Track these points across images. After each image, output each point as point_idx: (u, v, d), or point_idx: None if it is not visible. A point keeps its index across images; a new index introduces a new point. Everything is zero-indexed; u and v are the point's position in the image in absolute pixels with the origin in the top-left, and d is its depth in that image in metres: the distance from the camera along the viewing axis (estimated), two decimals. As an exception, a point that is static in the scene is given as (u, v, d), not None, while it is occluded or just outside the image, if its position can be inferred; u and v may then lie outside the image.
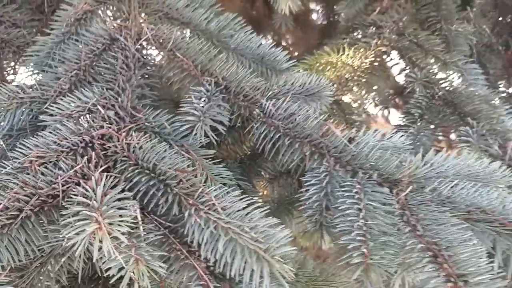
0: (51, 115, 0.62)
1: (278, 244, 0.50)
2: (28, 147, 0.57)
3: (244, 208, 0.52)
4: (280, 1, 1.00)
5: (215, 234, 0.50)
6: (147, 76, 0.71)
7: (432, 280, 0.50)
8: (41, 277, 0.58)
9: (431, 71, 0.98)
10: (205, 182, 0.62)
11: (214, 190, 0.54)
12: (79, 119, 0.60)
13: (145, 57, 0.70)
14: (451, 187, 0.59)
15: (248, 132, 0.69)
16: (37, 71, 0.71)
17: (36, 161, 0.55)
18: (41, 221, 0.51)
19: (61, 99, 0.63)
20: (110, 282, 0.50)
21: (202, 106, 0.64)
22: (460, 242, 0.53)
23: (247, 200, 0.53)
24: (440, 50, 1.05)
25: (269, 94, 0.68)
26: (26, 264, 0.56)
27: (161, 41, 0.71)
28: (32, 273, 0.57)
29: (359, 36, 1.07)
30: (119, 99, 0.64)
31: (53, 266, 0.57)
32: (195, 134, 0.63)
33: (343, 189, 0.59)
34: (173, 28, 0.73)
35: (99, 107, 0.62)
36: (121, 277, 0.49)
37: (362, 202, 0.56)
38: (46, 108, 0.63)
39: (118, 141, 0.57)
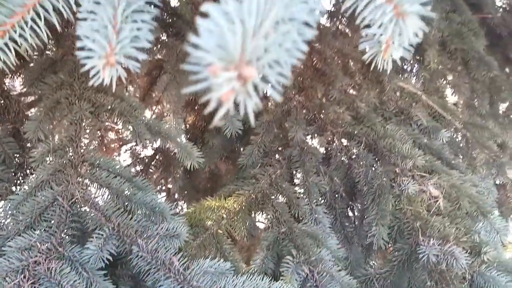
0: (10, 246, 1.06)
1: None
2: (-10, 268, 0.99)
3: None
4: (185, 161, 1.49)
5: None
6: (76, 220, 1.16)
7: None
8: None
9: (283, 213, 1.44)
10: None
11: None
12: (23, 251, 1.04)
13: (74, 210, 1.16)
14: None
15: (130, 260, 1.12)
16: (8, 215, 1.16)
17: (-7, 276, 0.97)
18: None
19: (17, 237, 1.07)
20: None
21: (100, 243, 1.07)
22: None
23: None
24: (296, 196, 1.52)
25: (144, 235, 1.12)
26: None
27: (86, 199, 1.17)
28: None
29: (242, 185, 1.54)
30: (52, 238, 1.08)
31: None
32: (95, 260, 1.06)
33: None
34: (95, 191, 1.20)
35: (37, 243, 1.06)
36: None
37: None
38: (7, 242, 1.07)
39: (43, 266, 1.00)
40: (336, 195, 1.62)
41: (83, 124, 1.29)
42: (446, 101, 2.11)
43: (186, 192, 2.12)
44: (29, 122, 1.28)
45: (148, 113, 2.29)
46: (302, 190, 1.56)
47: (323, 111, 1.80)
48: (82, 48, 0.53)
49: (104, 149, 1.94)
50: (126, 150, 2.66)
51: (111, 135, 1.97)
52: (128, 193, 1.24)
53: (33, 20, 0.61)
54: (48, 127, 1.28)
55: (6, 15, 0.59)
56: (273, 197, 1.50)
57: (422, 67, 2.09)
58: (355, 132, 1.68)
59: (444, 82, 2.20)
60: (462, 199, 1.57)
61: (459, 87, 2.19)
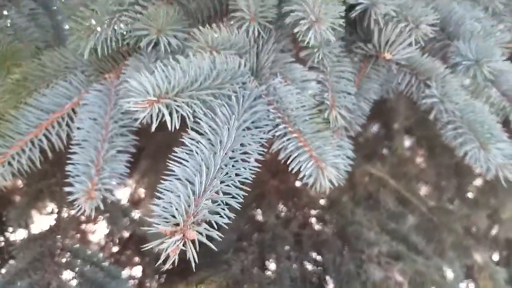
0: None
1: None
2: None
3: None
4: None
5: None
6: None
7: None
8: None
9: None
10: None
11: None
12: None
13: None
14: None
15: None
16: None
17: None
18: None
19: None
20: None
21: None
22: None
23: None
24: (267, 282, 1.57)
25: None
26: None
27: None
28: None
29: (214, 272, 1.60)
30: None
31: None
32: None
33: None
34: (70, 279, 1.25)
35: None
36: None
37: None
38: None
39: None
40: (307, 281, 1.68)
41: (63, 213, 1.37)
42: (413, 185, 2.24)
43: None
44: (13, 211, 1.35)
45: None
46: (273, 276, 1.62)
47: (296, 194, 1.91)
48: (69, 184, 0.64)
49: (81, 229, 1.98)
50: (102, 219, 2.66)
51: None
52: (102, 282, 1.29)
53: (29, 149, 0.72)
54: (30, 215, 1.36)
55: (8, 146, 0.70)
56: (245, 285, 1.55)
57: (390, 152, 2.24)
58: (326, 217, 1.78)
59: (411, 167, 2.34)
60: (427, 284, 1.64)
61: (426, 171, 2.33)
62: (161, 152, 1.74)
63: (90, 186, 0.62)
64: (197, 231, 0.46)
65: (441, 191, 2.38)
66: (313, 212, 1.84)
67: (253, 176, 0.57)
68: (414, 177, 2.32)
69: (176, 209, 0.46)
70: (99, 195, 0.63)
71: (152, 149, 1.76)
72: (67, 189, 0.63)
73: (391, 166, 2.26)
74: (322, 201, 1.92)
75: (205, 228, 0.47)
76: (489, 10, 1.02)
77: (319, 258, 1.70)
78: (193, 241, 0.46)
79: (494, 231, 2.70)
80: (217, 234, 0.48)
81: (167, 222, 0.46)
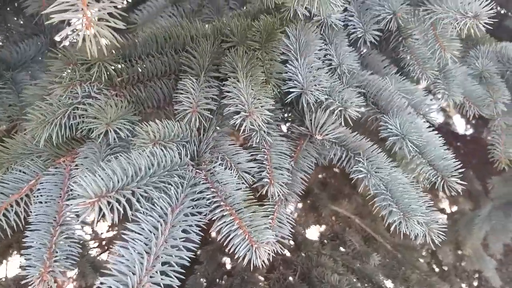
0: None
1: None
2: None
3: None
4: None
5: None
6: None
7: None
8: None
9: None
10: None
11: None
12: None
13: None
14: None
15: None
16: None
17: None
18: None
19: None
20: None
21: None
22: None
23: None
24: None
25: None
26: None
27: None
28: None
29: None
30: None
31: None
32: None
33: None
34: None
35: None
36: None
37: None
38: None
39: None
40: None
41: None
42: (379, 224, 2.32)
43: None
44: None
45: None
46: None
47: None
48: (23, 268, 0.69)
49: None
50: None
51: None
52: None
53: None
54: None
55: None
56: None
57: (355, 192, 2.33)
58: (293, 260, 1.84)
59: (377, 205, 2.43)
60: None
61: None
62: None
63: (43, 269, 0.68)
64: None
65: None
66: (280, 255, 1.89)
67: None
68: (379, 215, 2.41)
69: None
70: (52, 278, 0.68)
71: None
72: (21, 272, 0.68)
73: (357, 205, 2.35)
74: (290, 243, 1.99)
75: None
76: (422, 81, 1.12)
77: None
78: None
79: (461, 263, 2.79)
80: None
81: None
